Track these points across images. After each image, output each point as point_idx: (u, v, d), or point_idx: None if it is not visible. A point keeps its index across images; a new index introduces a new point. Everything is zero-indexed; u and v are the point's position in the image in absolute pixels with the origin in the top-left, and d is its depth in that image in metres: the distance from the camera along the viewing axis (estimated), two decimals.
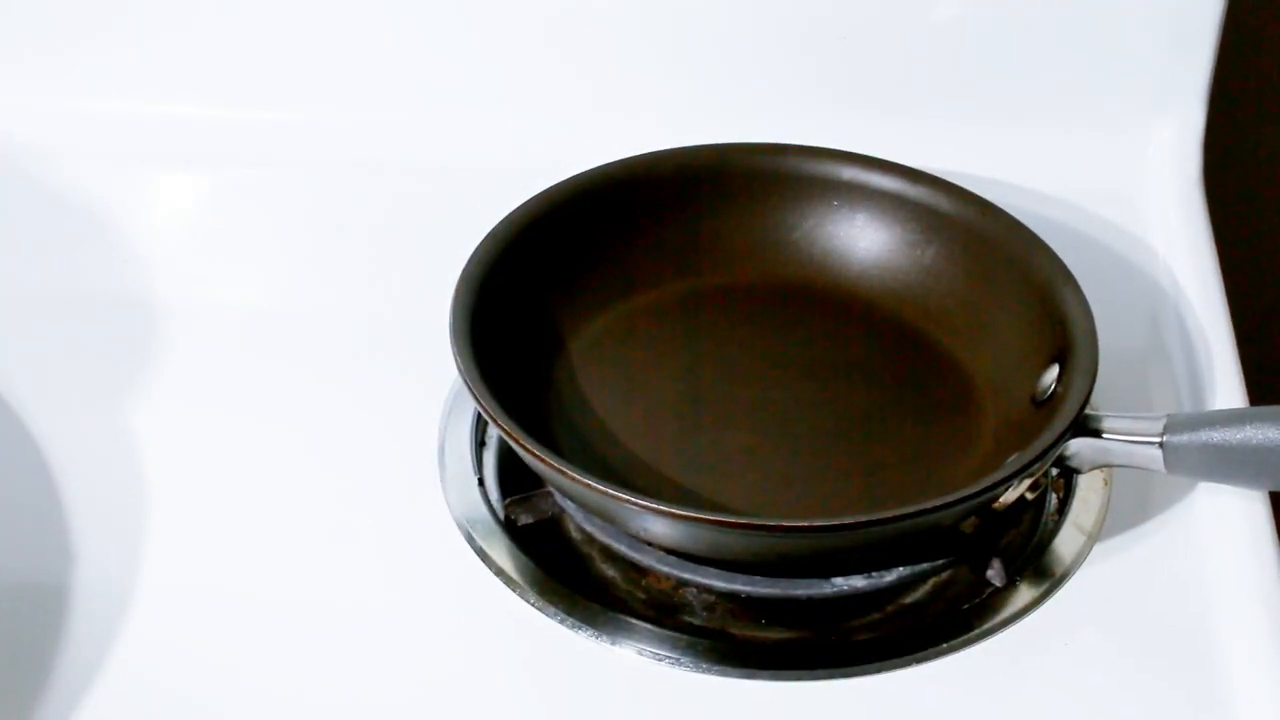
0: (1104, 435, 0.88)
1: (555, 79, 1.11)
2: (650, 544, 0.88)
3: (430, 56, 1.11)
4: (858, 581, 0.88)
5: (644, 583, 0.89)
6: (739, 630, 0.87)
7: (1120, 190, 1.09)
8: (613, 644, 0.86)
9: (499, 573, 0.88)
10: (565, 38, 1.10)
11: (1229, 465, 0.87)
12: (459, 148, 1.11)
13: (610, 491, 0.84)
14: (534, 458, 0.86)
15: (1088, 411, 0.88)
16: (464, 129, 1.11)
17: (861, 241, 1.00)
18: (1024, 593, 0.88)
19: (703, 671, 0.85)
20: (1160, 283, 1.04)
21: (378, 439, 0.95)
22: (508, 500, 0.91)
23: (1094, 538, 0.90)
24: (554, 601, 0.87)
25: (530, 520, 0.91)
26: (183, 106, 1.12)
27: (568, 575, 0.89)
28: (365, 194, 1.09)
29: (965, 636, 0.86)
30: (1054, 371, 0.91)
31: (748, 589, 0.88)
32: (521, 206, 0.97)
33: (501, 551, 0.89)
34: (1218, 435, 0.87)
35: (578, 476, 0.84)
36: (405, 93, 1.11)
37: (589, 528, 0.90)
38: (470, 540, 0.90)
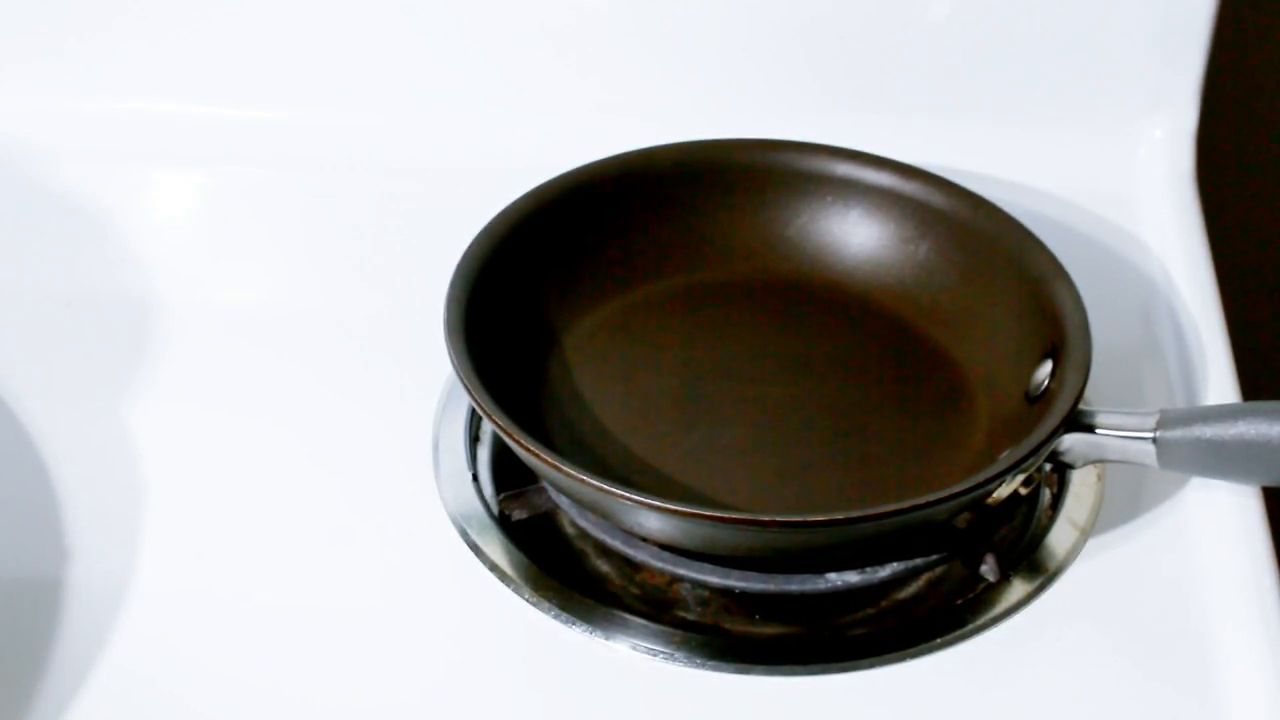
0: (1097, 431, 0.88)
1: (550, 77, 1.11)
2: (644, 539, 0.88)
3: (427, 55, 1.11)
4: (851, 577, 0.88)
5: (638, 578, 0.89)
6: (733, 625, 0.87)
7: (1113, 186, 1.09)
8: (606, 639, 0.86)
9: (493, 568, 0.89)
10: (561, 37, 1.10)
11: (1222, 460, 0.87)
12: (456, 146, 1.11)
13: (604, 487, 0.84)
14: (528, 453, 0.86)
15: (1081, 407, 0.88)
16: (460, 128, 1.11)
17: (855, 237, 1.00)
18: (1017, 588, 0.88)
19: (696, 667, 0.85)
20: (1153, 278, 1.04)
21: (373, 435, 0.95)
22: (502, 495, 0.92)
23: (1087, 533, 0.90)
24: (548, 597, 0.87)
25: (524, 516, 0.91)
26: (180, 106, 1.12)
27: (562, 570, 0.89)
28: (362, 192, 1.09)
29: (959, 631, 0.86)
30: (1047, 367, 0.92)
31: (742, 584, 0.88)
32: (515, 202, 0.97)
33: (495, 547, 0.89)
34: (1210, 430, 0.87)
35: (572, 472, 0.84)
36: (402, 92, 1.11)
37: (583, 523, 0.90)
38: (464, 535, 0.90)
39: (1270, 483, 0.89)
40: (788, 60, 1.10)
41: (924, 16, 1.08)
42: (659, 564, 0.88)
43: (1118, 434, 0.88)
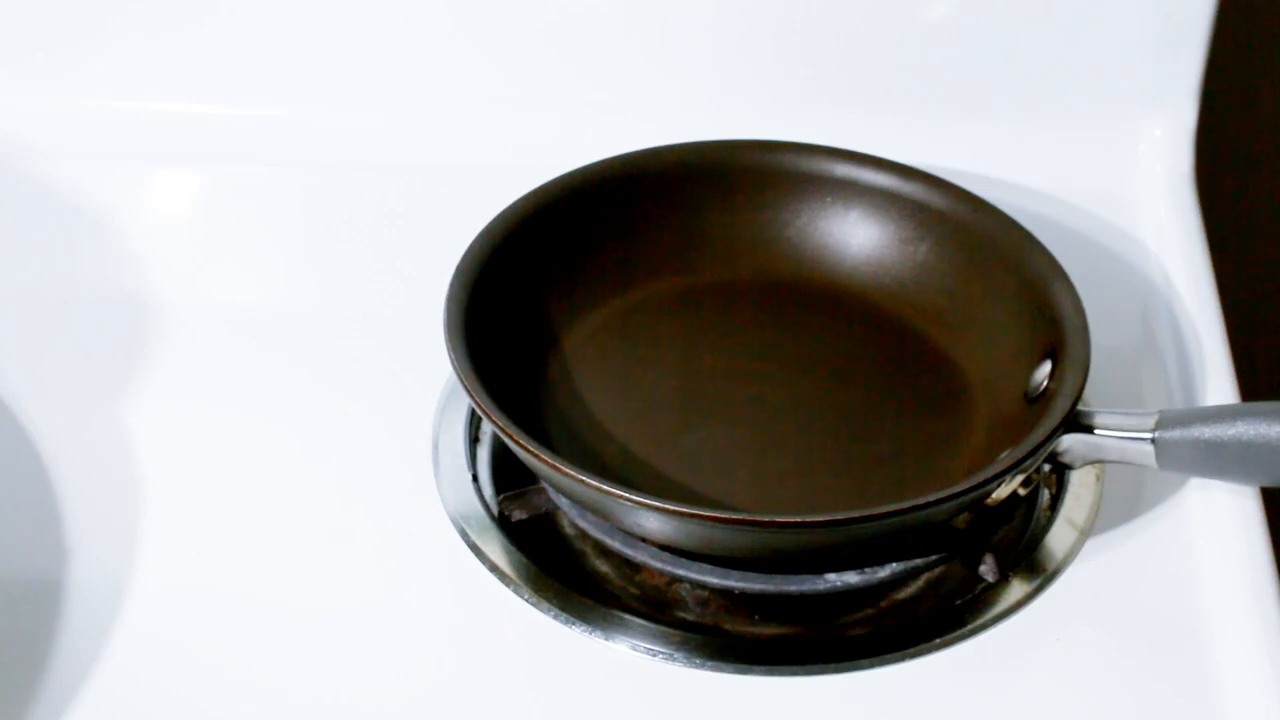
0: (1096, 431, 0.88)
1: (550, 77, 1.11)
2: (644, 540, 0.89)
3: (426, 54, 1.11)
4: (851, 577, 0.88)
5: (637, 578, 0.89)
6: (732, 626, 0.87)
7: (1112, 187, 1.09)
8: (606, 640, 0.86)
9: (493, 568, 0.89)
10: (560, 36, 1.10)
11: (1220, 461, 0.87)
12: (454, 145, 1.11)
13: (603, 487, 0.84)
14: (528, 453, 0.86)
15: (1080, 407, 0.88)
16: (459, 127, 1.11)
17: (855, 238, 1.00)
18: (1016, 588, 0.88)
19: (696, 667, 0.85)
20: (1152, 279, 1.04)
21: (372, 435, 0.95)
22: (501, 496, 0.92)
23: (1086, 533, 0.91)
24: (548, 597, 0.87)
25: (524, 516, 0.91)
26: (179, 104, 1.12)
27: (561, 571, 0.89)
28: (360, 191, 1.09)
29: (958, 632, 0.86)
30: (1046, 367, 0.92)
31: (741, 585, 0.88)
32: (515, 203, 0.97)
33: (495, 547, 0.89)
34: (1209, 431, 0.87)
35: (571, 472, 0.84)
36: (400, 90, 1.11)
37: (583, 524, 0.90)
38: (464, 536, 0.90)
39: (1269, 483, 0.89)
40: (787, 60, 1.10)
41: (923, 16, 1.08)
42: (658, 564, 0.89)
43: (1116, 434, 0.88)
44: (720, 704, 0.84)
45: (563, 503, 0.91)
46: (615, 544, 0.89)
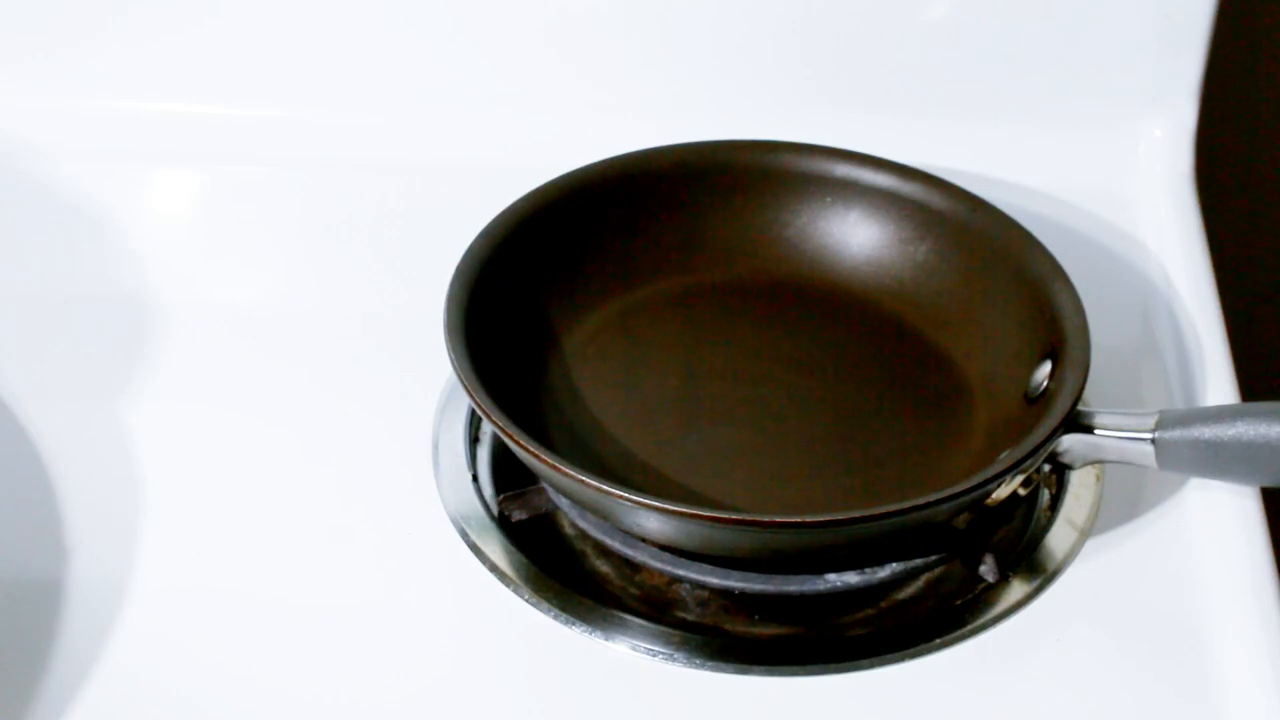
0: (1096, 431, 0.88)
1: (550, 77, 1.11)
2: (644, 540, 0.89)
3: (425, 54, 1.11)
4: (851, 577, 0.88)
5: (637, 579, 0.89)
6: (732, 626, 0.87)
7: (1112, 187, 1.09)
8: (606, 640, 0.86)
9: (493, 569, 0.89)
10: (560, 36, 1.10)
11: (1220, 461, 0.87)
12: (455, 146, 1.11)
13: (603, 488, 0.84)
14: (527, 453, 0.86)
15: (1080, 408, 0.88)
16: (459, 127, 1.11)
17: (855, 238, 1.00)
18: (1016, 588, 0.88)
19: (696, 667, 0.85)
20: (1152, 279, 1.04)
21: (372, 435, 0.95)
22: (501, 496, 0.92)
23: (1086, 533, 0.91)
24: (548, 597, 0.87)
25: (524, 516, 0.91)
26: (179, 104, 1.12)
27: (561, 571, 0.89)
28: (360, 191, 1.09)
29: (958, 632, 0.86)
30: (1046, 368, 0.92)
31: (741, 585, 0.88)
32: (515, 203, 0.97)
33: (495, 547, 0.90)
34: (1209, 431, 0.87)
35: (571, 472, 0.84)
36: (400, 90, 1.12)
37: (583, 524, 0.90)
38: (464, 536, 0.90)
39: (1269, 483, 0.89)
40: (787, 61, 1.10)
41: (923, 16, 1.08)
42: (658, 564, 0.89)
43: (1116, 435, 0.88)
44: (720, 704, 0.84)
45: (563, 503, 0.91)
46: (615, 544, 0.89)
